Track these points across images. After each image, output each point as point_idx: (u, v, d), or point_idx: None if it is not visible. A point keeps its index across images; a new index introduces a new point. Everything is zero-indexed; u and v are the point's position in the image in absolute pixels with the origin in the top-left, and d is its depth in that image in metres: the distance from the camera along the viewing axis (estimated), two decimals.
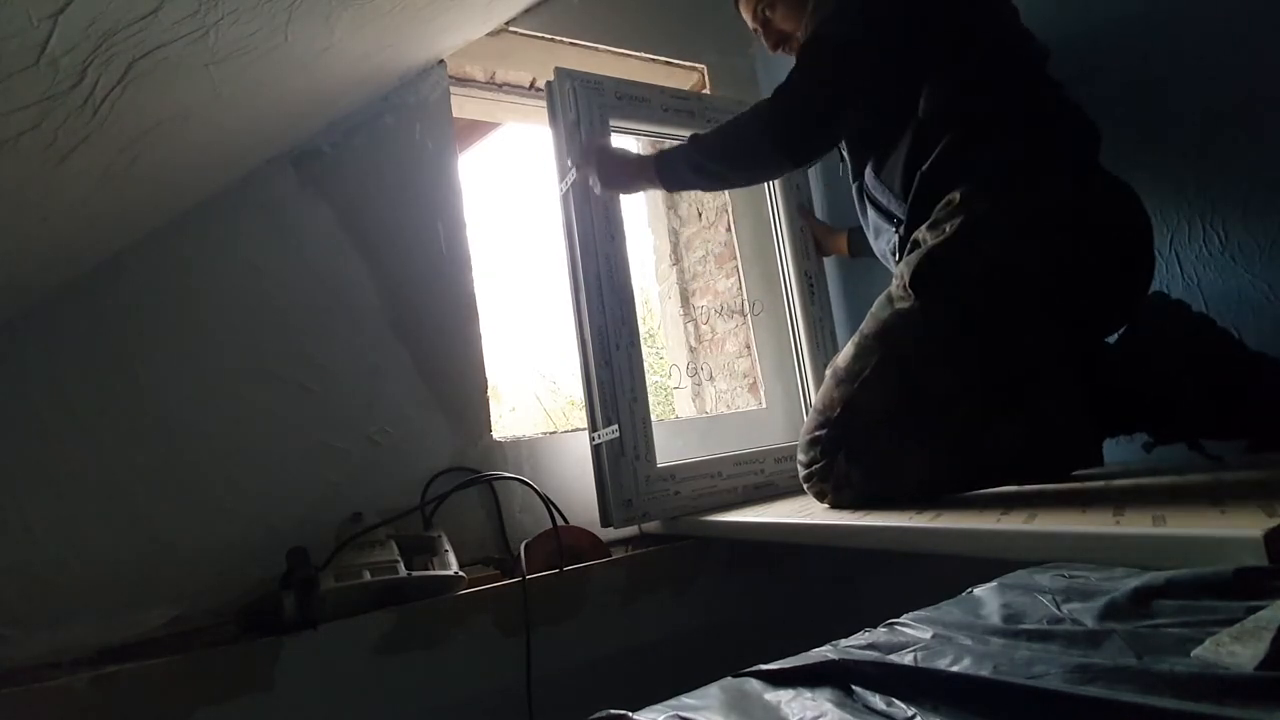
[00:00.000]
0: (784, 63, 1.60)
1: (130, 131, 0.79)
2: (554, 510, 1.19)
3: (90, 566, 1.02)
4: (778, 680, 0.48)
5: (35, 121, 0.66)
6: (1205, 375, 0.90)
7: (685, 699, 0.47)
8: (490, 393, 1.37)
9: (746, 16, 1.24)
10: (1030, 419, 0.92)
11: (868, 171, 1.10)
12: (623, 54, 1.68)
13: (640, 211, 2.10)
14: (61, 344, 1.05)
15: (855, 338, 1.02)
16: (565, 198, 1.32)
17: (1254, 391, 0.89)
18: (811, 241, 1.57)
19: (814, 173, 1.68)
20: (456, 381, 1.33)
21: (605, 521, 1.24)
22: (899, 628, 0.56)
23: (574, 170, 1.28)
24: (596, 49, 1.65)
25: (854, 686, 0.46)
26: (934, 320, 0.95)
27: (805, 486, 1.04)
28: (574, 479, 1.37)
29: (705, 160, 1.10)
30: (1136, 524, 0.64)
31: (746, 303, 1.69)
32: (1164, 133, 1.09)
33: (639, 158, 1.22)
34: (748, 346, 1.76)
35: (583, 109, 1.32)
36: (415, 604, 0.99)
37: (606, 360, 1.25)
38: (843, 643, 0.53)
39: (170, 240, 1.14)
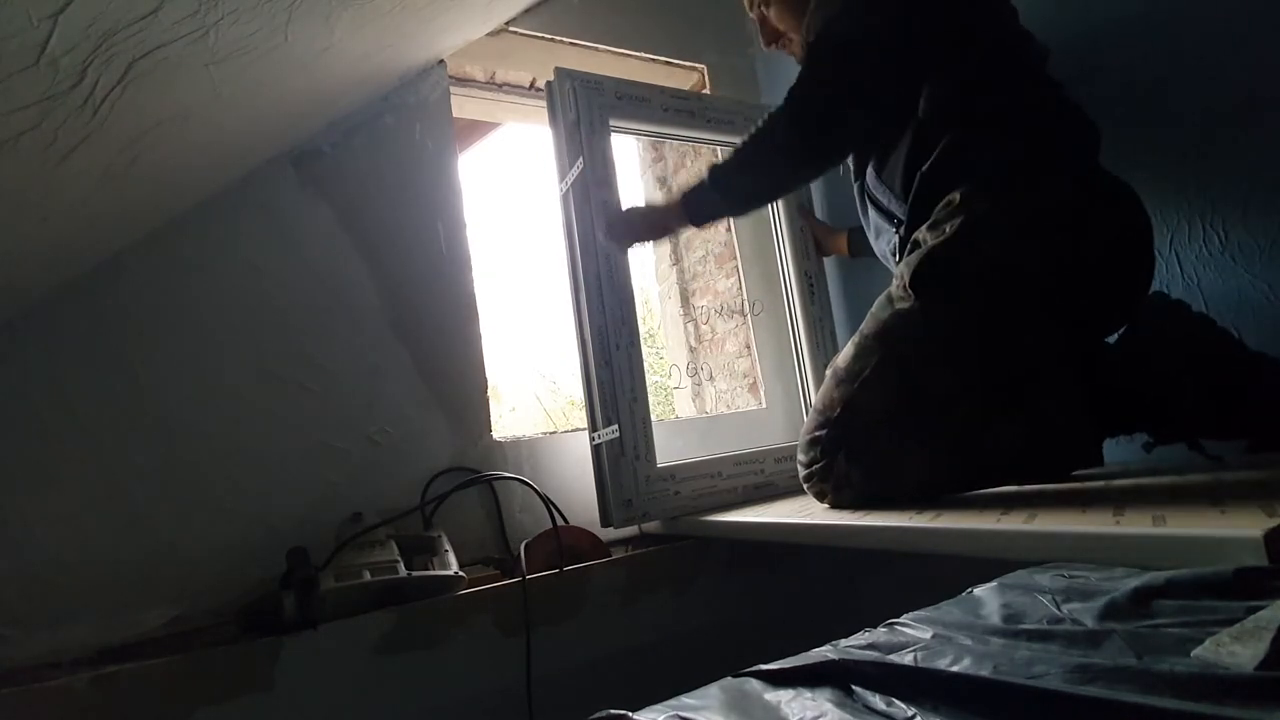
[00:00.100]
0: (784, 63, 1.61)
1: (130, 131, 0.79)
2: (554, 510, 1.19)
3: (90, 566, 1.02)
4: (778, 680, 0.48)
5: (35, 121, 0.66)
6: (1205, 375, 0.90)
7: (685, 699, 0.47)
8: (490, 393, 1.37)
9: (746, 4, 1.24)
10: (1030, 419, 0.92)
11: (869, 171, 1.10)
12: (623, 54, 1.68)
13: None
14: (61, 344, 1.05)
15: (855, 338, 1.02)
16: (565, 198, 1.32)
17: (1254, 391, 0.89)
18: (811, 241, 1.57)
19: None
20: (456, 381, 1.33)
21: (605, 521, 1.24)
22: (899, 628, 0.56)
23: (600, 238, 1.26)
24: (596, 49, 1.65)
25: (854, 686, 0.46)
26: (934, 320, 0.95)
27: (805, 486, 1.04)
28: (574, 479, 1.37)
29: (729, 178, 1.08)
30: (1136, 524, 0.64)
31: (746, 303, 1.69)
32: (1164, 133, 1.09)
33: (663, 205, 1.19)
34: (748, 346, 1.76)
35: (583, 109, 1.32)
36: (415, 604, 0.99)
37: (606, 360, 1.25)
38: (843, 643, 0.53)
39: (170, 240, 1.14)
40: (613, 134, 1.36)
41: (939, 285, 0.94)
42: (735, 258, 1.73)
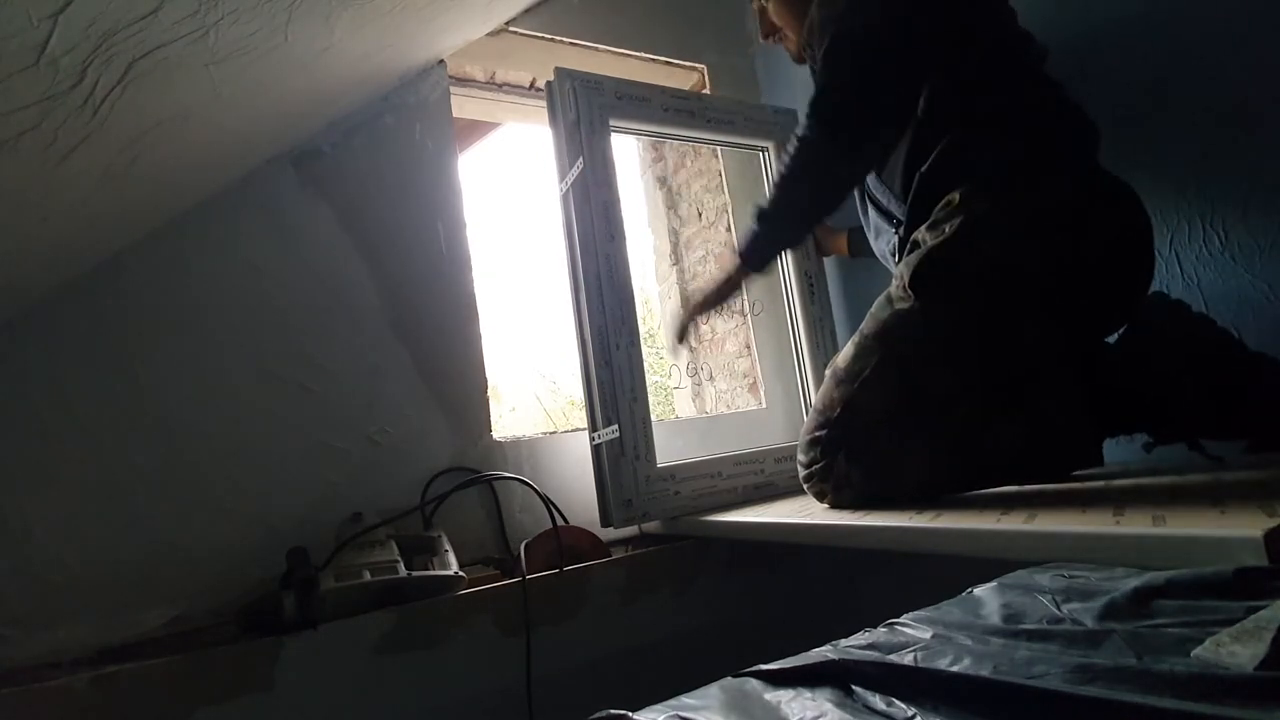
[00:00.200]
0: (784, 63, 1.61)
1: (130, 131, 0.79)
2: (554, 510, 1.19)
3: (90, 566, 1.02)
4: (778, 680, 0.48)
5: (35, 121, 0.66)
6: (1205, 375, 0.90)
7: (685, 699, 0.47)
8: (490, 393, 1.37)
9: None
10: (1030, 419, 0.92)
11: None
12: (623, 54, 1.68)
13: (640, 211, 2.10)
14: (61, 344, 1.05)
15: (855, 338, 1.02)
16: (565, 198, 1.32)
17: (1254, 391, 0.89)
18: (811, 241, 1.57)
19: None
20: (456, 381, 1.33)
21: (605, 521, 1.24)
22: (899, 628, 0.56)
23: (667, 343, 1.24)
24: (596, 49, 1.65)
25: (854, 686, 0.46)
26: (934, 320, 0.95)
27: (805, 486, 1.04)
28: (574, 479, 1.37)
29: (777, 210, 1.08)
30: (1136, 524, 0.64)
31: (746, 303, 1.69)
32: (1164, 133, 1.09)
33: (721, 272, 1.19)
34: (748, 346, 1.76)
35: (583, 109, 1.32)
36: (415, 604, 0.99)
37: (606, 360, 1.25)
38: (843, 643, 0.53)
39: (170, 240, 1.14)
40: (613, 134, 1.36)
41: (939, 285, 0.94)
42: None
